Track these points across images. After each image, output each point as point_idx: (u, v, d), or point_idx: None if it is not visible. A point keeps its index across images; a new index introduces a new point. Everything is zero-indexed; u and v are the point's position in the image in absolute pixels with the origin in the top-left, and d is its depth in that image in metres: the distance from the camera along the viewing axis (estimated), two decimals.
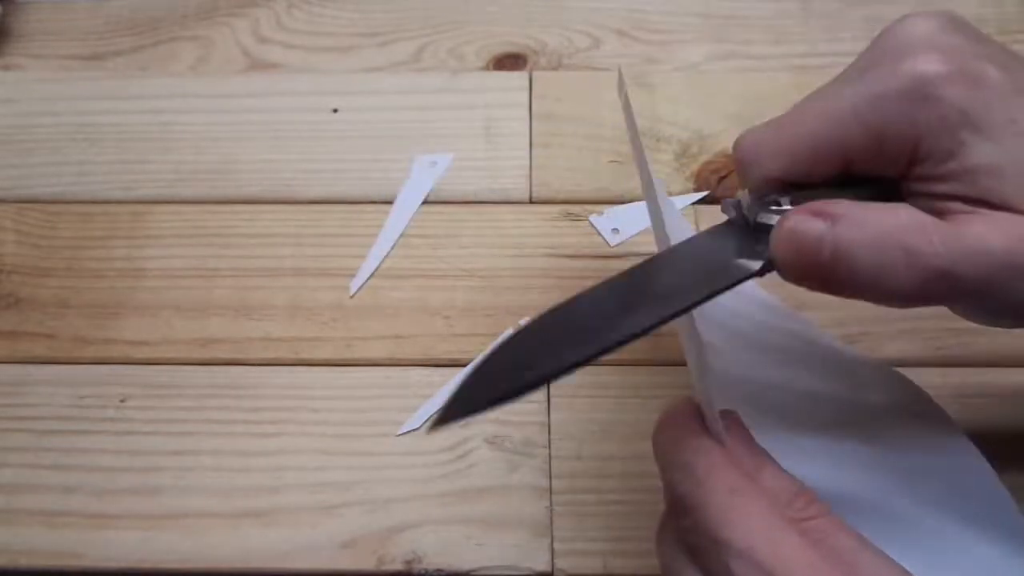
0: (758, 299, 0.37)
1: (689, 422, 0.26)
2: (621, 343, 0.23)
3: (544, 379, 0.23)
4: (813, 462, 0.29)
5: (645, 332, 0.23)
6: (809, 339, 0.37)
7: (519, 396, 0.22)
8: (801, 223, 0.24)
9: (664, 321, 0.24)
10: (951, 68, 0.24)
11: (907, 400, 0.34)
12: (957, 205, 0.24)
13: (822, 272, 0.24)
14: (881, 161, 0.25)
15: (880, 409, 0.34)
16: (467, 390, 0.23)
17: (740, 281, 0.25)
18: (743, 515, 0.23)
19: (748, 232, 0.25)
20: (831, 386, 0.35)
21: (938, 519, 0.31)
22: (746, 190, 0.27)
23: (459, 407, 0.22)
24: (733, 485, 0.24)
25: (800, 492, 0.24)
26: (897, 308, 0.25)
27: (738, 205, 0.26)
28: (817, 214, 0.24)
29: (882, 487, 0.32)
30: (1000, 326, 0.27)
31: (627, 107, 0.32)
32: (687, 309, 0.24)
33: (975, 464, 0.32)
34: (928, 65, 0.24)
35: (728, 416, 0.26)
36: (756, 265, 0.25)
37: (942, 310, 0.39)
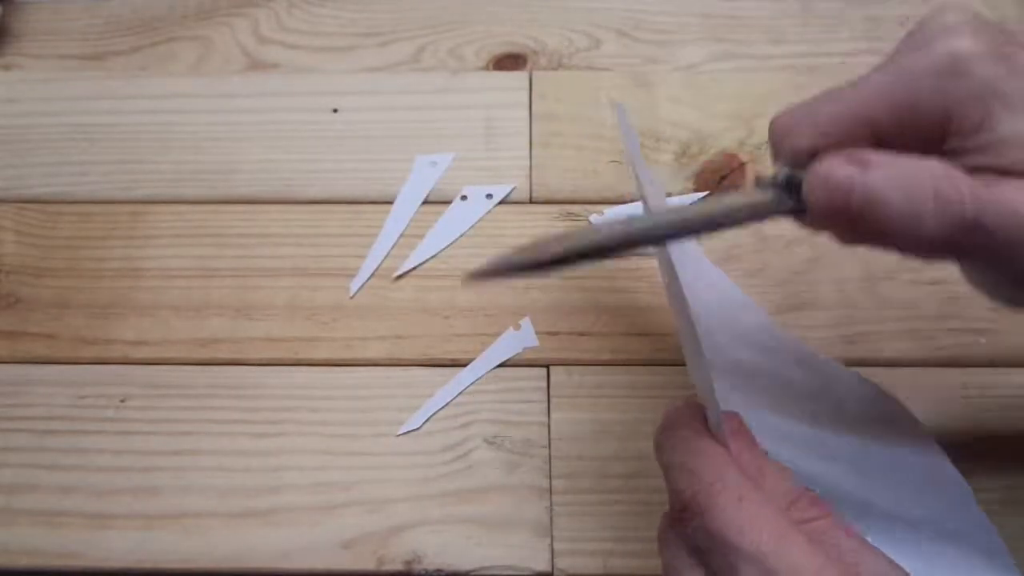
0: (746, 311, 0.37)
1: (693, 424, 0.26)
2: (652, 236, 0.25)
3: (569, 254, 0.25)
4: (804, 460, 0.30)
5: (671, 231, 0.24)
6: (792, 350, 0.37)
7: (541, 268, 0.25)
8: (834, 167, 0.24)
9: (687, 229, 0.24)
10: (983, 48, 0.24)
11: (880, 407, 0.35)
12: (987, 177, 0.24)
13: (852, 216, 0.23)
14: (912, 137, 0.25)
15: (855, 416, 0.35)
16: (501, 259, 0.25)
17: (772, 214, 0.25)
18: (752, 520, 0.23)
19: (781, 190, 0.25)
20: (812, 394, 0.35)
21: (911, 521, 0.32)
22: (779, 165, 0.27)
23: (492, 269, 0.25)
24: (740, 491, 0.24)
25: (802, 494, 0.25)
26: (922, 258, 0.25)
27: (772, 177, 0.26)
28: (851, 160, 0.24)
29: (862, 489, 0.32)
30: (1004, 301, 0.27)
31: (627, 133, 0.32)
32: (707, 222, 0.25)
33: (942, 465, 0.34)
34: (961, 43, 0.24)
35: (731, 418, 0.26)
36: (789, 204, 0.25)
37: (942, 310, 0.39)
